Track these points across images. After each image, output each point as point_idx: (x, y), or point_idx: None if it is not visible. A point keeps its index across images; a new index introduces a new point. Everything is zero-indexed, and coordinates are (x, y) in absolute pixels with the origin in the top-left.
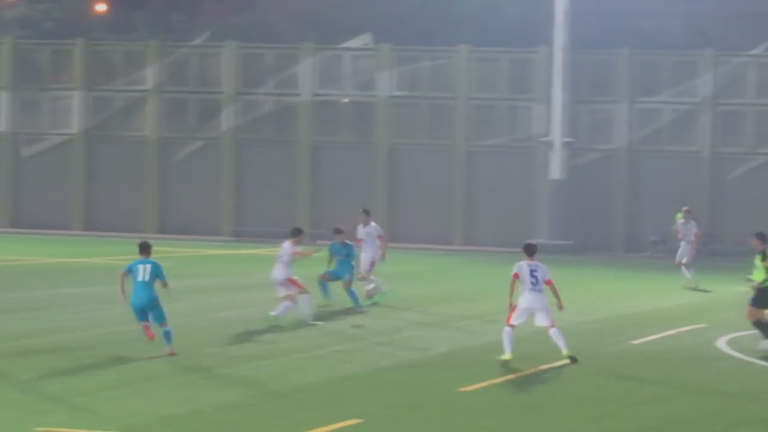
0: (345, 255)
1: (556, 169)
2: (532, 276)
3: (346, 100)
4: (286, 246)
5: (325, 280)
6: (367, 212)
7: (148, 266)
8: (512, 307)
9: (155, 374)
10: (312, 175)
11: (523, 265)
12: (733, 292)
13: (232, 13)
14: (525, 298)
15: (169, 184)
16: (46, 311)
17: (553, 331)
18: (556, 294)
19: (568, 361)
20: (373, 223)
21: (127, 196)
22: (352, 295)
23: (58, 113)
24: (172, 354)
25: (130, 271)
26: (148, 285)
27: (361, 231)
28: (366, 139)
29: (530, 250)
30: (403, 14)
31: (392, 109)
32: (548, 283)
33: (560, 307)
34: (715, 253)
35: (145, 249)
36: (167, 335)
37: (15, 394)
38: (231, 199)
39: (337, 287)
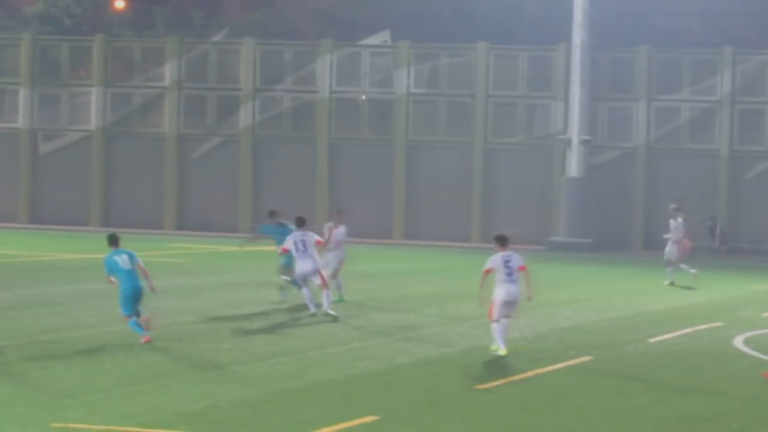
0: (281, 235)
1: (574, 166)
2: (506, 267)
3: (364, 97)
4: (311, 237)
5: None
6: (339, 212)
7: (125, 256)
8: (484, 301)
9: (172, 370)
10: (330, 172)
11: (496, 258)
12: (752, 290)
13: (251, 10)
14: (502, 291)
15: (188, 181)
16: (65, 307)
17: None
18: (528, 282)
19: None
20: (343, 226)
21: (146, 193)
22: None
23: (76, 109)
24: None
25: (112, 267)
26: (135, 273)
27: (336, 231)
28: (384, 136)
29: (502, 241)
30: (422, 12)
31: (411, 107)
32: (522, 269)
33: (529, 298)
34: (733, 252)
35: (115, 241)
36: (137, 325)
37: (32, 390)
38: (249, 196)
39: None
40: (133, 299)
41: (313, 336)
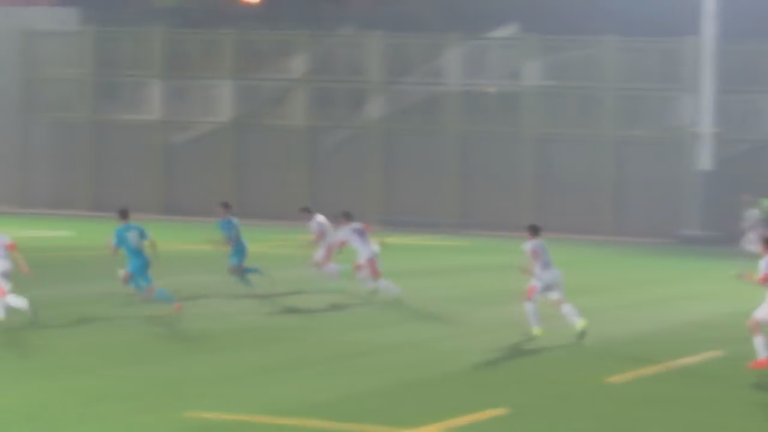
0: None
1: (704, 159)
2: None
3: (492, 90)
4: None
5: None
6: (308, 209)
7: (135, 232)
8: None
9: (302, 360)
10: (460, 165)
11: (539, 243)
12: None
13: (379, 3)
14: (547, 275)
15: (317, 173)
16: (198, 298)
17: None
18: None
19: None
20: (319, 219)
21: (276, 185)
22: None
23: (208, 102)
24: (179, 309)
25: (121, 241)
26: (141, 250)
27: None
28: (512, 129)
29: (537, 231)
30: (551, 4)
31: (539, 99)
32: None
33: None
34: None
35: (125, 215)
36: (163, 295)
37: (165, 379)
38: (378, 189)
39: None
40: (140, 274)
41: (441, 327)
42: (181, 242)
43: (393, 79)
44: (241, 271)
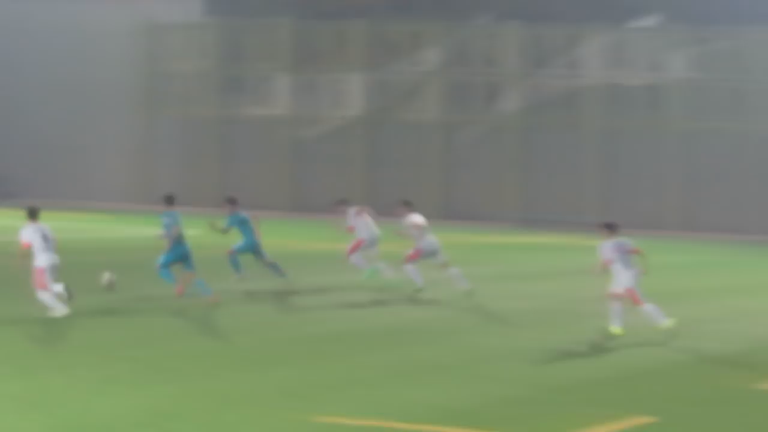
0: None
1: None
2: (628, 254)
3: (636, 82)
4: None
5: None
6: (344, 201)
7: (178, 218)
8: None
9: (437, 364)
10: (601, 161)
11: (622, 242)
12: None
13: None
14: (627, 276)
15: (452, 170)
16: (321, 297)
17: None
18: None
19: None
20: (353, 211)
21: (408, 182)
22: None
23: (337, 96)
24: (216, 301)
25: (168, 225)
26: (183, 236)
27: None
28: (656, 122)
29: (614, 228)
30: None
31: (683, 92)
32: (636, 251)
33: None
34: None
35: (172, 201)
36: (202, 284)
37: (293, 383)
38: (517, 185)
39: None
40: (182, 260)
41: (579, 330)
42: (309, 240)
43: (530, 71)
44: (234, 256)
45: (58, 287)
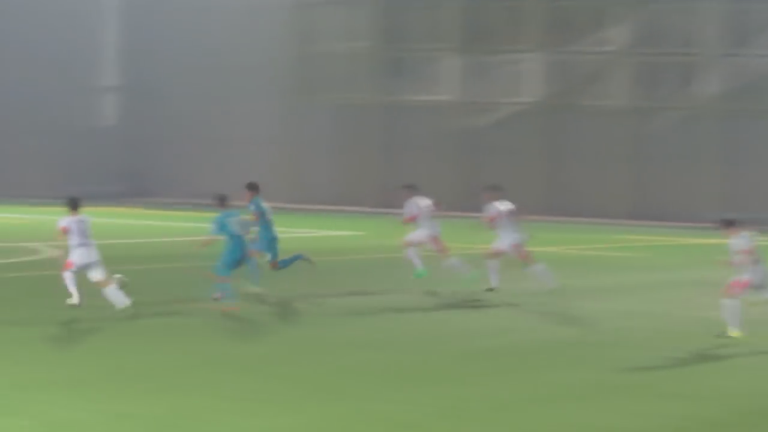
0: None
1: None
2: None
3: None
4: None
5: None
6: (411, 186)
7: (237, 219)
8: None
9: (601, 383)
10: None
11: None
12: None
13: None
14: (756, 274)
15: (642, 162)
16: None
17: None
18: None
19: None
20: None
21: (592, 176)
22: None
23: (513, 79)
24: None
25: (223, 228)
26: (244, 239)
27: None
28: None
29: (731, 224)
30: None
31: None
32: (747, 252)
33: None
34: None
35: (225, 201)
36: (229, 289)
37: (459, 403)
38: (718, 180)
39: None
40: (237, 264)
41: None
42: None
43: (732, 50)
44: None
45: (119, 276)
